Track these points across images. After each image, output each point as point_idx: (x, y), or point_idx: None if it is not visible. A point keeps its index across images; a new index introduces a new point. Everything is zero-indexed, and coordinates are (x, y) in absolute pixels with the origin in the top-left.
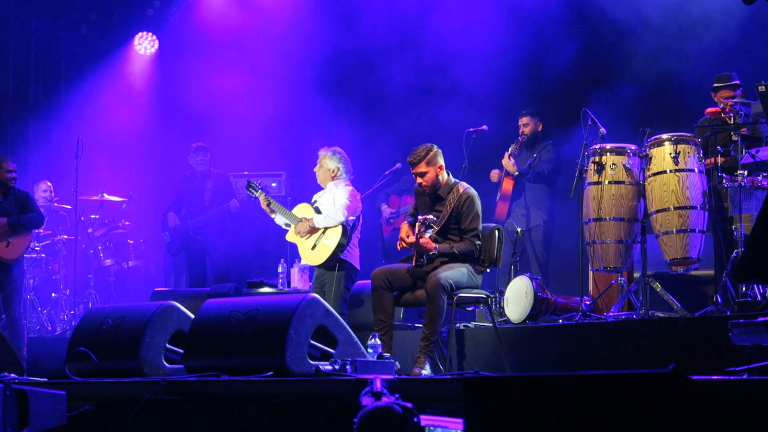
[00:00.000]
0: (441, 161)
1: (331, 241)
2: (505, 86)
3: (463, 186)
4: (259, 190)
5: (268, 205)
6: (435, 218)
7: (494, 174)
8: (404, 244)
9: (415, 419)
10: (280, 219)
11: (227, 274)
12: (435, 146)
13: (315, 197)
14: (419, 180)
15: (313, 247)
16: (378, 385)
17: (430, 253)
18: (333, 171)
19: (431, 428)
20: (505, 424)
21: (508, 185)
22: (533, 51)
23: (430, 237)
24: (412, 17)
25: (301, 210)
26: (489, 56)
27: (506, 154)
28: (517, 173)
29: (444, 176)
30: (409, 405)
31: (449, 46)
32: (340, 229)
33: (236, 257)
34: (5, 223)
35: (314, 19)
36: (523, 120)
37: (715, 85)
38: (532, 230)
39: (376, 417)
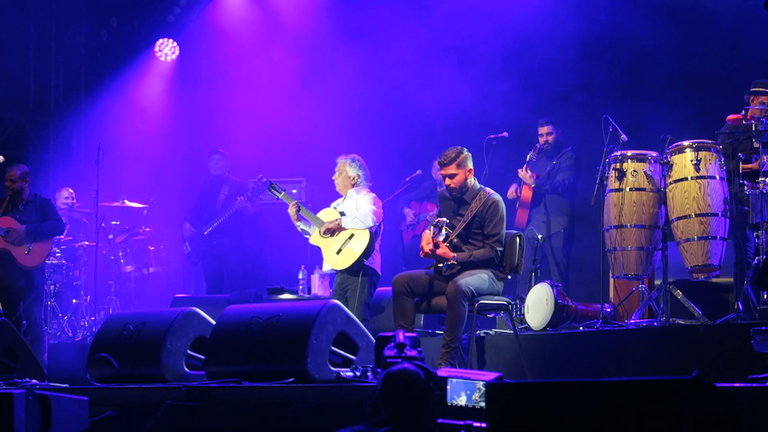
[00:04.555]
0: (470, 165)
1: (357, 246)
2: (524, 91)
3: (488, 192)
4: (282, 192)
5: (297, 211)
6: (447, 220)
7: (511, 191)
8: (426, 252)
9: (432, 385)
10: (305, 227)
11: (243, 281)
12: (465, 149)
13: (334, 204)
14: (448, 181)
15: (339, 252)
16: (401, 337)
17: (449, 262)
18: (353, 178)
19: (452, 379)
20: (528, 430)
21: (527, 192)
22: (552, 56)
23: (443, 240)
24: (433, 23)
25: (327, 214)
26: (507, 61)
27: (524, 167)
28: (534, 185)
29: (471, 180)
30: (432, 370)
31: (465, 54)
32: (367, 234)
33: (252, 263)
34: (23, 230)
35: (335, 24)
36: (545, 129)
37: (756, 89)
38: (552, 237)
39: (400, 379)
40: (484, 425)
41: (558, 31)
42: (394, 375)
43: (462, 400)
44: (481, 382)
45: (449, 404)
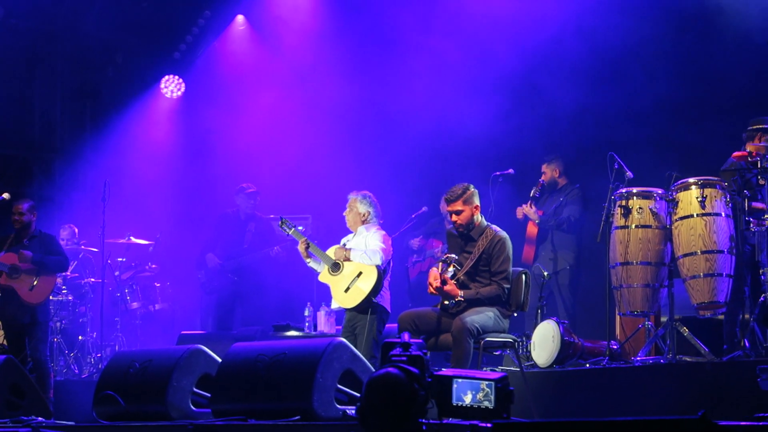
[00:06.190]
0: (477, 201)
1: (365, 284)
2: (528, 129)
3: (495, 229)
4: (292, 228)
5: (307, 248)
6: (456, 257)
7: (519, 211)
8: (432, 289)
9: (417, 386)
10: (314, 264)
11: (255, 318)
12: (472, 186)
13: (343, 240)
14: (454, 218)
15: (347, 290)
16: (406, 337)
17: (456, 300)
18: (364, 215)
19: (457, 379)
20: None
21: (532, 229)
22: (557, 93)
23: (452, 277)
24: (438, 58)
25: (336, 252)
26: (513, 99)
27: (528, 203)
28: (538, 221)
29: (478, 217)
30: (415, 371)
31: (472, 89)
32: (375, 272)
33: (265, 301)
34: (30, 257)
35: (340, 61)
36: (542, 168)
37: (754, 127)
38: (558, 274)
39: (381, 383)
40: (489, 425)
41: (572, 65)
42: (376, 380)
43: (467, 400)
44: (485, 382)
45: (455, 405)
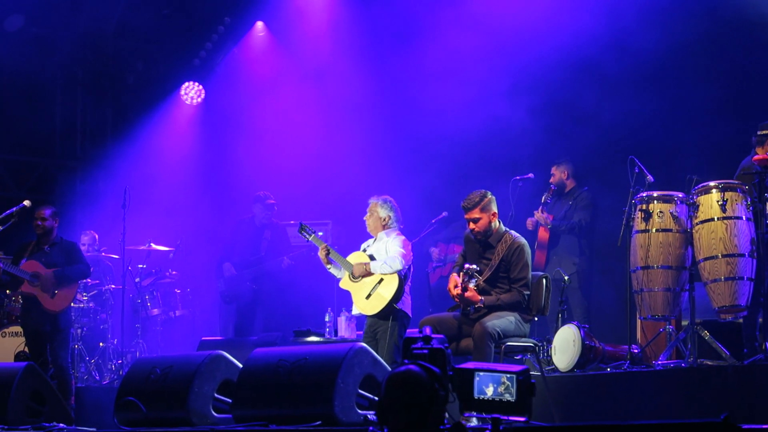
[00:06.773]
0: (494, 208)
1: (386, 291)
2: (550, 133)
3: (513, 235)
4: (312, 235)
5: (327, 254)
6: (478, 268)
7: (530, 222)
8: (454, 294)
9: (437, 386)
10: (335, 270)
11: (276, 324)
12: (489, 193)
13: (364, 245)
14: (472, 225)
15: (368, 297)
16: (428, 331)
17: (476, 306)
18: (384, 219)
19: (479, 372)
20: None
21: (544, 234)
22: (578, 96)
23: (474, 286)
24: (461, 62)
25: (356, 258)
26: (533, 102)
27: (539, 208)
28: (550, 226)
29: (496, 224)
30: (436, 369)
31: (494, 91)
32: (396, 279)
33: (285, 307)
34: (51, 275)
35: (359, 67)
36: (552, 170)
37: (764, 132)
38: (571, 277)
39: (401, 381)
40: (510, 418)
41: (600, 69)
42: (396, 377)
43: (489, 393)
44: (506, 375)
45: (476, 398)
